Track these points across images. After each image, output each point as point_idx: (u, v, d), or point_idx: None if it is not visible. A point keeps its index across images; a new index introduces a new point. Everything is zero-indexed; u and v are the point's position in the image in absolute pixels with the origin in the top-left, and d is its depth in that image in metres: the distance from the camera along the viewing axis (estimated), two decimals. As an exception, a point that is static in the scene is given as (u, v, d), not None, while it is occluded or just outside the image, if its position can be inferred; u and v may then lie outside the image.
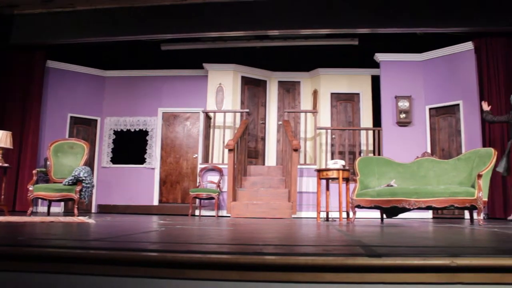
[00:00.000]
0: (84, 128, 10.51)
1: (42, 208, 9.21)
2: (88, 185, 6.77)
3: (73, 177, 6.66)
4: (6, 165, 7.19)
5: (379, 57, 9.63)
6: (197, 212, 8.99)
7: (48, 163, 7.31)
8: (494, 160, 5.34)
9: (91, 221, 4.71)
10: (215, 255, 1.60)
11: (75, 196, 6.63)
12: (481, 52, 8.56)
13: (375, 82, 10.12)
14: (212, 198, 8.50)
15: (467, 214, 7.91)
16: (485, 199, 5.19)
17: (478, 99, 8.49)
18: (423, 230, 3.82)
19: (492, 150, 5.50)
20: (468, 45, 8.79)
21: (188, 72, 10.82)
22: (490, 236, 3.06)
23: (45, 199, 6.89)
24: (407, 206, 5.38)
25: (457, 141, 8.88)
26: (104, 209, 10.20)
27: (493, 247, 2.18)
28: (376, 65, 9.88)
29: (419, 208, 5.41)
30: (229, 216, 8.08)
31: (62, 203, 9.54)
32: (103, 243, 2.11)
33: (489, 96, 8.28)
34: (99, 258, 1.58)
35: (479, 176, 5.16)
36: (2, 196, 7.18)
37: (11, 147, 7.42)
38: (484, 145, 8.11)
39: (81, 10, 8.99)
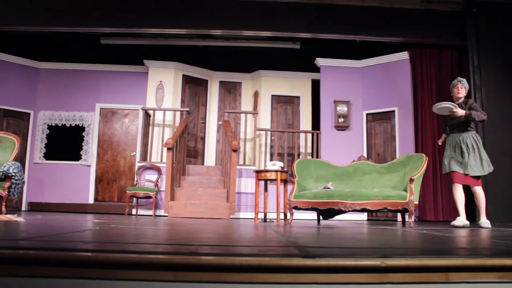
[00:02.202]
0: (15, 122, 10.04)
1: (-33, 205, 8.72)
2: (18, 181, 6.46)
3: (1, 173, 6.34)
4: None
5: (320, 61, 9.83)
6: (134, 211, 8.82)
7: (-26, 157, 6.92)
8: (425, 165, 5.58)
9: (20, 219, 4.51)
10: (149, 255, 1.57)
11: (3, 193, 6.31)
12: (416, 62, 8.96)
13: (315, 86, 10.32)
14: (150, 197, 8.37)
15: (399, 217, 8.22)
16: (416, 202, 5.42)
17: (412, 106, 8.86)
18: (357, 232, 3.93)
19: (423, 155, 5.76)
20: (404, 55, 9.17)
21: (128, 68, 10.59)
22: (419, 238, 3.19)
23: (-30, 196, 6.53)
24: (343, 208, 5.52)
25: (392, 146, 9.21)
26: (35, 207, 9.79)
27: (421, 248, 2.28)
28: (316, 69, 10.08)
29: (355, 210, 5.56)
30: (166, 216, 7.98)
31: (-11, 200, 9.07)
32: (33, 242, 2.03)
33: (422, 104, 8.67)
34: (28, 258, 1.51)
35: (411, 180, 5.38)
36: None
37: None
38: (416, 151, 8.49)
39: (16, -3, 8.59)
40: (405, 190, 5.46)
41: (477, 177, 5.52)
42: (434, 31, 8.61)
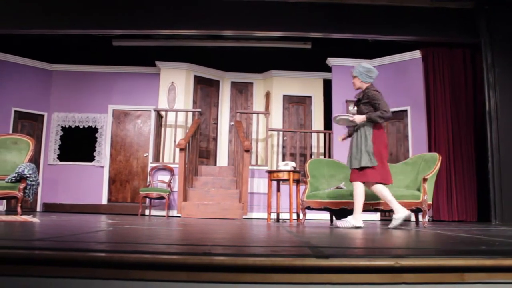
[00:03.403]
0: (29, 123, 10.14)
1: (-17, 206, 8.84)
2: (32, 182, 6.53)
3: (16, 174, 6.41)
4: None
5: (331, 61, 9.80)
6: (147, 212, 8.86)
7: (-10, 159, 7.00)
8: (439, 164, 5.54)
9: (35, 220, 4.56)
10: (163, 255, 1.58)
11: (19, 194, 6.38)
12: (428, 61, 8.89)
13: (327, 86, 10.29)
14: (163, 197, 8.41)
15: (413, 217, 8.17)
16: (430, 202, 5.38)
17: (425, 105, 8.80)
18: (370, 232, 3.92)
19: (437, 155, 5.71)
20: (416, 54, 9.10)
21: (140, 69, 10.65)
22: (434, 238, 3.17)
23: (-14, 197, 6.60)
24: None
25: (405, 145, 9.15)
26: (50, 208, 9.88)
27: (436, 248, 2.26)
28: (328, 69, 10.04)
29: (367, 210, 5.54)
30: (179, 216, 8.00)
31: (4, 201, 9.17)
32: (48, 243, 2.05)
33: (435, 103, 8.61)
34: (43, 258, 1.53)
35: (424, 179, 5.34)
36: None
37: (-50, 142, 7.07)
38: (429, 150, 8.42)
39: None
40: (419, 190, 5.42)
41: (361, 172, 4.87)
42: (446, 29, 8.54)
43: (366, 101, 4.99)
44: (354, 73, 5.14)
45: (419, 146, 8.77)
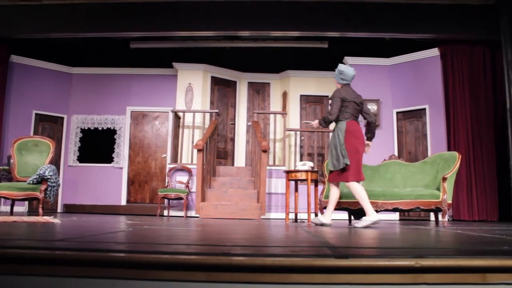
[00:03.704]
0: (50, 126, 10.28)
1: (5, 208, 8.97)
2: (53, 184, 6.62)
3: (37, 176, 6.51)
4: (-33, 162, 6.98)
5: (348, 60, 9.75)
6: (165, 213, 8.92)
7: (11, 161, 7.12)
8: (458, 163, 5.47)
9: (56, 221, 4.61)
10: (182, 255, 1.59)
11: (40, 196, 6.48)
12: (447, 58, 8.78)
13: (344, 85, 10.22)
14: (181, 198, 8.45)
15: (432, 216, 8.09)
16: (450, 201, 5.32)
17: (444, 103, 8.70)
18: (389, 232, 3.89)
19: (456, 154, 5.64)
20: (434, 51, 9.00)
21: (158, 71, 10.72)
22: (454, 238, 3.13)
23: (8, 198, 6.70)
24: (374, 208, 5.45)
25: (423, 144, 9.06)
26: (70, 209, 10.01)
27: (456, 248, 2.24)
28: (345, 68, 9.98)
29: (386, 210, 5.50)
30: (197, 217, 8.04)
31: (26, 203, 9.31)
32: (69, 243, 2.07)
33: (454, 101, 8.50)
34: (64, 259, 1.55)
35: (444, 179, 5.28)
36: (-37, 195, 6.96)
37: (-27, 144, 7.21)
38: (449, 149, 8.32)
39: (48, 4, 8.77)
40: (438, 189, 5.36)
41: (335, 173, 5.01)
42: (465, 26, 8.40)
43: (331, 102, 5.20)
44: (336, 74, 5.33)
45: (438, 145, 8.68)
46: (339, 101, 5.08)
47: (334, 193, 5.11)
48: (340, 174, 4.99)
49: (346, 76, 5.24)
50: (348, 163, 4.89)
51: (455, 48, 8.73)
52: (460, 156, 5.59)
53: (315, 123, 5.35)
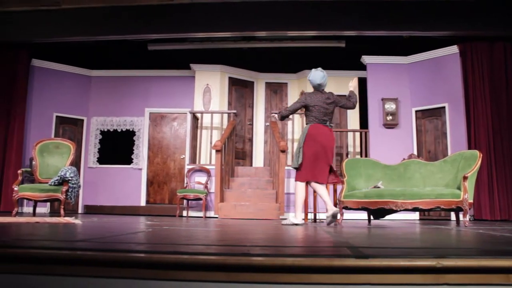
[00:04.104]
0: (70, 128, 10.42)
1: (28, 209, 9.11)
2: (74, 185, 6.71)
3: (59, 177, 6.60)
4: (-10, 165, 7.11)
5: (366, 59, 9.69)
6: (184, 213, 8.96)
7: (33, 163, 7.23)
8: (479, 162, 5.39)
9: (77, 221, 4.67)
10: (202, 256, 1.59)
11: (61, 197, 6.57)
12: (466, 56, 8.66)
13: (362, 84, 10.17)
14: (200, 199, 8.48)
15: (453, 216, 7.99)
16: (471, 200, 5.25)
17: (464, 101, 8.58)
18: (409, 232, 3.85)
19: (477, 152, 5.56)
20: (453, 49, 8.89)
21: (175, 72, 10.79)
22: (476, 238, 3.09)
23: (31, 200, 6.81)
24: (394, 208, 5.41)
25: (443, 143, 8.96)
26: (90, 210, 10.12)
27: (478, 248, 2.21)
28: (363, 67, 9.94)
29: (406, 210, 5.45)
30: (216, 217, 8.06)
31: (48, 204, 9.44)
32: (90, 244, 2.10)
33: (474, 99, 8.38)
34: (85, 259, 1.57)
35: (465, 178, 5.21)
36: (-14, 197, 7.10)
37: (-4, 147, 7.33)
38: (469, 148, 8.20)
39: (67, 8, 8.89)
40: (459, 188, 5.29)
41: (297, 172, 5.49)
42: (485, 22, 8.27)
43: None
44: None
45: (458, 143, 8.57)
46: (299, 104, 5.59)
47: (298, 192, 5.45)
48: (297, 174, 5.47)
49: (312, 82, 5.62)
50: (300, 162, 5.39)
51: (475, 45, 8.60)
52: (481, 155, 5.51)
53: (276, 117, 5.85)
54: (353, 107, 5.77)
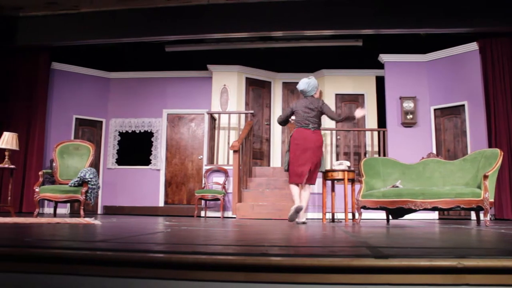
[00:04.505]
0: (89, 130, 10.54)
1: (48, 209, 9.24)
2: (93, 186, 6.78)
3: (78, 179, 6.68)
4: (12, 166, 7.21)
5: (384, 58, 9.62)
6: (202, 213, 9.00)
7: (54, 164, 7.33)
8: (500, 160, 5.32)
9: (97, 222, 4.72)
10: (221, 256, 1.60)
11: (81, 198, 6.65)
12: (486, 53, 8.52)
13: (380, 83, 10.10)
14: (218, 199, 8.51)
15: (473, 215, 7.88)
16: (492, 199, 5.17)
17: (484, 99, 8.45)
18: (429, 231, 3.81)
19: (498, 150, 5.48)
20: (473, 46, 8.76)
21: (193, 73, 10.84)
22: (497, 237, 3.05)
23: (51, 201, 6.91)
24: (413, 207, 5.37)
25: (463, 141, 8.85)
26: (109, 211, 10.22)
27: (500, 248, 2.17)
28: (380, 66, 9.86)
29: (425, 209, 5.40)
30: (234, 217, 8.08)
31: (68, 204, 9.56)
32: (110, 244, 2.12)
33: (494, 97, 8.25)
34: (106, 259, 1.58)
35: (485, 177, 5.14)
36: (9, 197, 7.21)
37: (17, 149, 7.44)
38: (490, 146, 8.08)
39: (85, 12, 9.02)
40: (479, 187, 5.22)
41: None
42: (505, 18, 8.15)
43: None
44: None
45: (478, 142, 8.45)
46: (288, 109, 6.09)
47: (292, 192, 5.79)
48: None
49: (298, 88, 6.06)
50: (287, 164, 5.86)
51: (495, 41, 8.47)
52: (502, 153, 5.43)
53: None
54: (335, 120, 5.91)
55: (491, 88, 8.32)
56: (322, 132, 9.63)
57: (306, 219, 5.90)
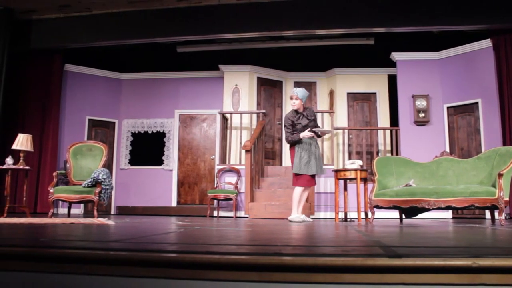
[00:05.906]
0: (102, 131, 10.61)
1: (63, 210, 9.32)
2: (107, 187, 6.83)
3: (92, 179, 6.73)
4: (27, 167, 7.30)
5: (396, 56, 9.56)
6: (215, 213, 9.02)
7: (67, 165, 7.40)
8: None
9: (110, 222, 4.75)
10: (234, 256, 1.60)
11: (95, 198, 6.69)
12: (500, 50, 8.42)
13: (392, 82, 10.04)
14: (230, 199, 8.52)
15: (488, 214, 7.80)
16: (507, 198, 5.11)
17: (498, 97, 8.36)
18: (443, 230, 3.78)
19: (512, 148, 5.41)
20: (486, 43, 8.68)
21: (204, 73, 10.86)
22: (512, 236, 3.02)
23: (66, 201, 6.97)
24: (426, 206, 5.33)
25: (477, 140, 8.77)
26: (123, 211, 10.28)
27: (515, 247, 2.15)
28: (392, 64, 9.80)
29: (439, 208, 5.35)
30: (247, 217, 8.08)
31: (82, 205, 9.63)
32: (123, 244, 2.13)
33: (508, 94, 8.15)
34: (119, 259, 1.59)
35: (500, 175, 5.09)
36: (24, 198, 7.29)
37: (32, 150, 7.53)
38: (504, 144, 7.99)
39: (98, 14, 9.08)
40: (494, 186, 5.17)
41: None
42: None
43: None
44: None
45: (492, 140, 8.36)
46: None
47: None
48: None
49: None
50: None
51: (509, 37, 8.36)
52: (517, 151, 5.36)
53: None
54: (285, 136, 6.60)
55: (505, 86, 8.22)
56: (335, 131, 9.63)
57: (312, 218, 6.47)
